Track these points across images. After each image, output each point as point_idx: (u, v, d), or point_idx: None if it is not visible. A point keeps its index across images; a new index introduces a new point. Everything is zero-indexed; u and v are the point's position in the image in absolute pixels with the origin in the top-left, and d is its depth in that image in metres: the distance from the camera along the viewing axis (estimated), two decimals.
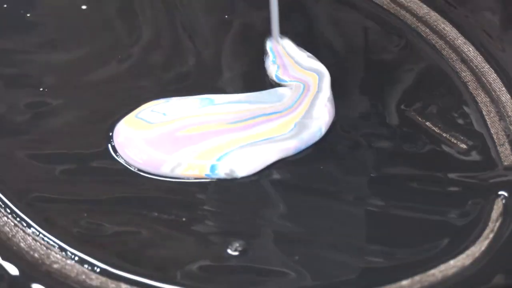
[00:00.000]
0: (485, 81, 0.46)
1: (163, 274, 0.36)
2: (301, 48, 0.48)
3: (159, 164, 0.41)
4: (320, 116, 0.43)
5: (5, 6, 0.49)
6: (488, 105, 0.45)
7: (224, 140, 0.42)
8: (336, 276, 0.37)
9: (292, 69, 0.46)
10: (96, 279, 0.36)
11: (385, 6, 0.50)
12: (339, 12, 0.50)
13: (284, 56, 0.47)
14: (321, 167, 0.41)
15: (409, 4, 0.50)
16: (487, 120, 0.44)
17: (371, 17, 0.50)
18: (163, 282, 0.36)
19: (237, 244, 0.38)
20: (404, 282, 0.36)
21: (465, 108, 0.45)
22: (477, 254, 0.38)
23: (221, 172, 0.41)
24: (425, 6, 0.50)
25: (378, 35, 0.49)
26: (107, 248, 0.37)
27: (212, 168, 0.41)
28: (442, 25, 0.49)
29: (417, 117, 0.44)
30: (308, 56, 0.47)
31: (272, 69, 0.46)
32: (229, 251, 0.38)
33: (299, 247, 0.38)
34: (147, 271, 0.37)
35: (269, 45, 0.48)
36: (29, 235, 0.37)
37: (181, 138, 0.42)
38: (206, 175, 0.41)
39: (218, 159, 0.41)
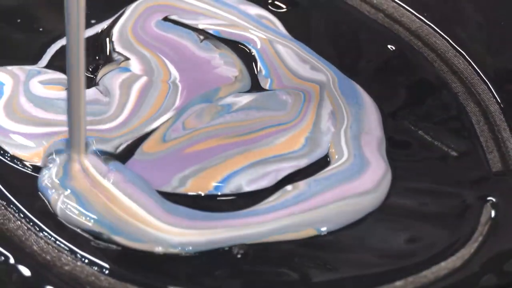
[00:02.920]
0: (475, 92, 0.46)
1: (168, 275, 0.37)
2: (306, 59, 0.47)
3: (160, 184, 0.40)
4: (328, 130, 0.43)
5: None
6: (477, 114, 0.45)
7: (232, 156, 0.41)
8: (331, 277, 0.37)
9: (288, 79, 0.46)
10: (105, 280, 0.36)
11: (379, 21, 0.50)
12: (336, 24, 0.50)
13: (281, 68, 0.46)
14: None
15: (402, 19, 0.50)
16: (477, 129, 0.45)
17: (366, 31, 0.50)
18: (168, 283, 0.36)
19: (239, 248, 0.38)
20: (398, 283, 0.37)
21: (456, 118, 0.45)
22: (467, 256, 0.38)
23: (227, 190, 0.40)
24: (417, 20, 0.50)
25: (374, 48, 0.49)
26: (116, 251, 0.37)
27: (217, 188, 0.40)
28: (434, 38, 0.49)
29: (410, 126, 0.44)
30: (311, 68, 0.46)
31: (265, 83, 0.46)
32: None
33: (297, 249, 0.38)
34: (153, 273, 0.37)
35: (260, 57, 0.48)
36: (41, 238, 0.38)
37: (187, 156, 0.42)
38: (209, 191, 0.40)
39: (223, 180, 0.40)
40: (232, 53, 0.47)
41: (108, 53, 0.46)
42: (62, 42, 0.47)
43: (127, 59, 0.46)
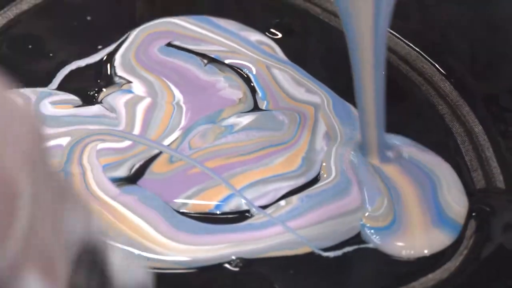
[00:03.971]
0: (460, 114, 0.47)
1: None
2: (302, 82, 0.47)
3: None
4: (321, 150, 0.43)
5: None
6: (462, 135, 0.46)
7: (234, 176, 0.42)
8: None
9: (284, 101, 0.46)
10: None
11: None
12: (330, 50, 0.50)
13: (277, 91, 0.47)
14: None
15: (391, 45, 0.50)
16: (462, 148, 0.45)
17: None
18: None
19: (238, 260, 0.39)
20: None
21: (442, 138, 0.46)
22: (453, 269, 0.39)
23: (227, 209, 0.41)
24: (406, 46, 0.50)
25: None
26: None
27: (218, 207, 0.41)
28: (421, 63, 0.49)
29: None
30: (306, 91, 0.47)
31: (262, 105, 0.46)
32: (228, 266, 0.39)
33: (293, 264, 0.39)
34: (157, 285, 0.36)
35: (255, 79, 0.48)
36: None
37: (191, 176, 0.42)
38: (209, 210, 0.41)
39: (224, 200, 0.41)
40: (237, 76, 0.47)
41: (109, 77, 0.47)
42: (71, 66, 0.47)
43: (129, 82, 0.46)
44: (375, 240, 0.39)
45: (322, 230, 0.40)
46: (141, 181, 0.42)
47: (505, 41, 0.49)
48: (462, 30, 0.50)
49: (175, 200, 0.41)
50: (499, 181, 0.43)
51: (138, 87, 0.46)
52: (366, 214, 0.41)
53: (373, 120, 0.41)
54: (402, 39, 0.51)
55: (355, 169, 0.42)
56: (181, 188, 0.41)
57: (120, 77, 0.47)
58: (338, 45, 0.49)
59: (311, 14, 0.52)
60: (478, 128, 0.46)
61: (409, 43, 0.50)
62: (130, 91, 0.46)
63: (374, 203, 0.41)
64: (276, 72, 0.48)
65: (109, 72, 0.47)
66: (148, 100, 0.45)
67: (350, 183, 0.42)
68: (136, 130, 0.44)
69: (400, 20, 0.49)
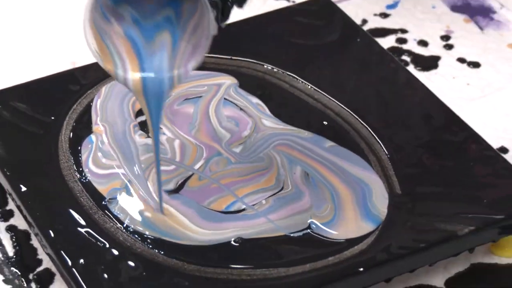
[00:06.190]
0: (373, 148, 0.59)
1: (196, 255, 0.51)
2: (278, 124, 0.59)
3: None
4: (283, 173, 0.56)
5: None
6: (374, 161, 0.58)
7: (237, 189, 0.55)
8: (291, 257, 0.50)
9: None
10: (161, 256, 0.51)
11: (318, 108, 0.62)
12: (295, 109, 0.62)
13: (264, 128, 0.58)
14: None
15: (331, 107, 0.62)
16: (374, 169, 0.58)
17: (311, 113, 0.62)
18: (196, 259, 0.50)
19: (239, 239, 0.51)
20: (330, 258, 0.51)
21: (363, 163, 0.58)
22: (370, 242, 0.52)
23: (232, 209, 0.53)
24: (339, 106, 0.62)
25: (315, 123, 0.61)
26: (166, 242, 0.52)
27: (227, 208, 0.54)
28: (349, 117, 0.61)
29: None
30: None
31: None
32: (232, 243, 0.51)
33: (272, 242, 0.51)
34: (188, 254, 0.51)
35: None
36: (124, 232, 0.52)
37: (212, 189, 0.55)
38: (221, 210, 0.53)
39: (231, 204, 0.53)
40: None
41: None
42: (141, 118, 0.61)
43: (160, 128, 0.58)
44: (319, 231, 0.53)
45: (289, 222, 0.53)
46: (182, 191, 0.55)
47: (405, 103, 0.63)
48: (377, 94, 0.64)
49: (204, 204, 0.54)
50: (397, 189, 0.56)
51: (166, 131, 0.59)
52: (315, 213, 0.53)
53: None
54: (338, 102, 0.63)
55: (306, 184, 0.55)
56: (206, 196, 0.55)
57: None
58: (299, 106, 0.63)
59: (282, 87, 0.65)
60: (384, 157, 0.58)
61: (342, 105, 0.62)
62: (164, 134, 0.59)
63: (321, 208, 0.54)
64: (264, 121, 0.61)
65: None
66: (178, 141, 0.58)
67: (303, 193, 0.54)
68: (177, 158, 0.58)
69: (338, 90, 0.64)
